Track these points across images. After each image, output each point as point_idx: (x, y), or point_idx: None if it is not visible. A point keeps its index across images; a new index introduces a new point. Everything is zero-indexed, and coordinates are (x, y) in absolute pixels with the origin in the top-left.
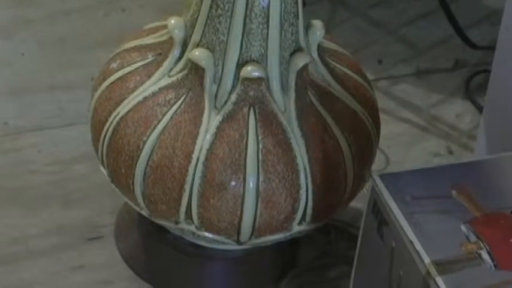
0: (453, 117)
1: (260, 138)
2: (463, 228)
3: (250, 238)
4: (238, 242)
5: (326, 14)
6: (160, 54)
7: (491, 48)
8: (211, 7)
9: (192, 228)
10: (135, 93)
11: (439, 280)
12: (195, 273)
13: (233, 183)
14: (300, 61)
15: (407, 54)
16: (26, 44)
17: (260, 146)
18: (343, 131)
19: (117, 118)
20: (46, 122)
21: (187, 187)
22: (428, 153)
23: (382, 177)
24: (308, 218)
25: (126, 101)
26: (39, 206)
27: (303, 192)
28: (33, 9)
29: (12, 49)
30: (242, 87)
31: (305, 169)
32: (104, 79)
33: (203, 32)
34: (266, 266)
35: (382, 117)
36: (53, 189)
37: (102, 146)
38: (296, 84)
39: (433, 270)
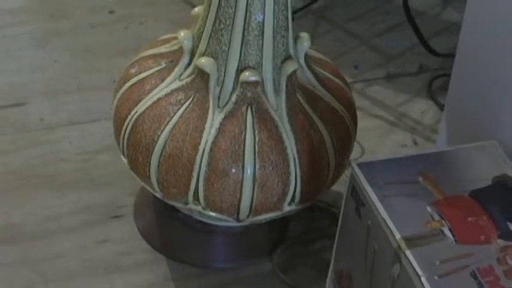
0: (418, 114)
1: (256, 132)
2: (428, 208)
3: (247, 216)
4: (238, 220)
5: (311, 27)
6: (172, 61)
7: (451, 55)
8: (214, 22)
9: (199, 208)
10: (151, 94)
11: (408, 253)
12: (201, 245)
13: (233, 170)
14: (289, 67)
15: (379, 60)
16: (57, 53)
17: (256, 139)
18: (326, 126)
19: (136, 115)
20: (75, 118)
21: (195, 174)
22: (397, 145)
23: (359, 165)
24: (297, 199)
25: (143, 101)
26: (70, 189)
27: (292, 178)
28: (63, 23)
29: (46, 57)
30: (241, 89)
31: (294, 158)
32: (124, 82)
33: (208, 42)
34: (261, 239)
35: (358, 114)
36: (81, 175)
37: (123, 138)
38: (286, 86)
39: (403, 245)
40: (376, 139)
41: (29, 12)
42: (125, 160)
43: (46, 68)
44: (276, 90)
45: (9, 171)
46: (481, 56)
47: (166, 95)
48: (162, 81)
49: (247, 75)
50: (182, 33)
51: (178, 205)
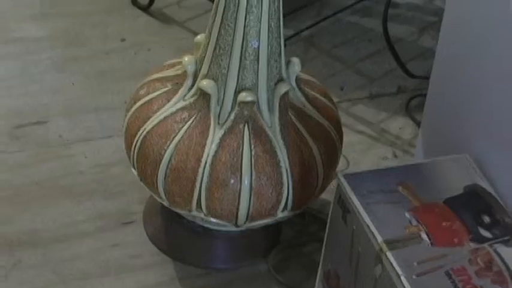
0: (397, 130)
1: (252, 147)
2: (407, 215)
3: (245, 222)
4: (236, 225)
5: (301, 52)
6: (177, 83)
7: (426, 77)
8: (215, 48)
9: (201, 215)
10: (158, 113)
11: (389, 254)
12: (204, 248)
13: (232, 181)
14: (282, 89)
15: (362, 82)
16: (75, 76)
17: (252, 152)
18: (315, 141)
19: (144, 132)
20: (91, 135)
21: (197, 184)
22: (379, 157)
23: (345, 176)
24: (289, 207)
25: (151, 119)
26: (86, 198)
27: (285, 187)
28: (80, 50)
29: (65, 80)
30: (239, 108)
31: (286, 170)
32: (134, 102)
33: (209, 66)
34: (257, 243)
35: (344, 130)
36: (96, 186)
37: (133, 153)
38: (279, 106)
39: (384, 247)
40: (360, 152)
41: (50, 41)
42: (135, 172)
43: (65, 90)
44: (270, 109)
45: (32, 182)
46: (453, 78)
47: (172, 113)
48: (168, 101)
49: (244, 96)
50: (186, 58)
51: (183, 212)
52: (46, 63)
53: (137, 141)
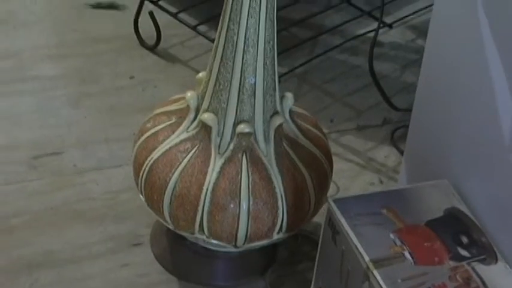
0: (383, 158)
1: (250, 174)
2: (391, 236)
3: (243, 243)
4: (235, 246)
5: (294, 87)
6: (180, 117)
7: (409, 110)
8: (215, 84)
9: (204, 237)
10: (163, 144)
11: (375, 272)
12: (206, 267)
13: (232, 205)
14: (277, 121)
15: (350, 115)
16: (87, 110)
17: (250, 179)
18: (307, 169)
19: (151, 161)
20: (102, 164)
21: (200, 209)
22: (366, 183)
23: (335, 201)
24: (284, 229)
25: (157, 149)
26: (97, 222)
27: (280, 211)
28: (92, 87)
29: (79, 114)
30: (237, 139)
31: (281, 196)
32: (142, 134)
33: (210, 101)
34: (255, 262)
35: (334, 158)
36: (107, 211)
37: (141, 180)
38: (274, 137)
39: (371, 266)
40: (348, 179)
41: (65, 79)
42: (142, 198)
43: (78, 123)
44: (266, 140)
45: (48, 208)
46: (433, 111)
47: (176, 144)
48: (173, 133)
49: (242, 128)
50: (189, 94)
51: (187, 234)
52: (61, 99)
53: (144, 169)
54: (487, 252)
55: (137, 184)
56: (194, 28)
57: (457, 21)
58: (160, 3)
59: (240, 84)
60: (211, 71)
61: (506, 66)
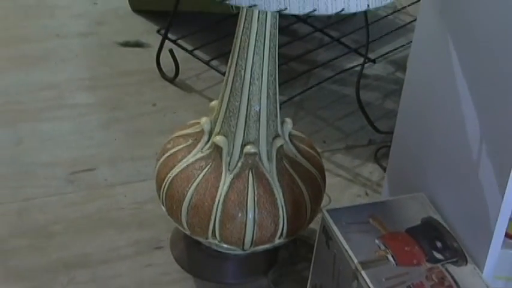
0: (368, 174)
1: (255, 188)
2: (376, 241)
3: (250, 247)
4: (243, 250)
5: (292, 114)
6: (196, 139)
7: (390, 132)
8: (226, 111)
9: (216, 241)
10: (181, 162)
11: (363, 273)
12: (217, 267)
13: (240, 215)
14: (278, 143)
15: (340, 137)
16: (116, 133)
17: (255, 193)
18: (304, 183)
19: (171, 177)
20: (129, 179)
21: (212, 218)
22: (354, 196)
23: (328, 211)
24: (284, 235)
25: (176, 167)
26: (125, 229)
27: (281, 220)
28: (121, 113)
29: (109, 136)
30: (244, 158)
31: (282, 206)
32: (163, 154)
33: (221, 126)
34: (259, 263)
35: (327, 174)
36: (133, 219)
37: (162, 193)
38: (276, 156)
39: (359, 267)
40: (339, 191)
41: (98, 106)
42: (163, 208)
43: (109, 144)
44: (269, 159)
45: (83, 216)
46: (411, 133)
47: (192, 162)
48: (189, 153)
49: (249, 148)
50: (203, 119)
51: (201, 239)
52: (94, 123)
53: (165, 184)
54: (458, 256)
55: (159, 196)
56: (207, 63)
57: (432, 56)
58: (178, 42)
59: (247, 111)
60: (222, 99)
61: (474, 96)
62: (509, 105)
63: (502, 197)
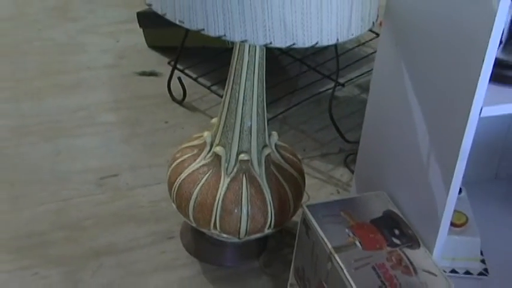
0: (339, 176)
1: (248, 189)
2: (346, 230)
3: (244, 236)
4: (239, 238)
5: (278, 128)
6: (200, 149)
7: (357, 142)
8: (224, 127)
9: (217, 232)
10: (188, 168)
11: (336, 256)
12: (218, 252)
13: (236, 211)
14: (266, 151)
15: (316, 146)
16: (136, 145)
17: (248, 193)
18: (288, 184)
19: (180, 180)
20: (147, 182)
21: (213, 213)
22: (328, 194)
23: (307, 206)
24: (272, 226)
25: (184, 172)
26: (144, 222)
27: (269, 214)
28: (139, 129)
29: (130, 148)
30: (239, 165)
31: (270, 203)
32: (173, 161)
33: (220, 138)
34: (252, 248)
35: (306, 176)
36: (150, 214)
37: (173, 193)
38: (265, 162)
39: (332, 251)
40: (316, 191)
41: (120, 124)
42: (174, 206)
43: (130, 155)
44: (259, 164)
45: (110, 213)
46: (374, 142)
47: (197, 168)
48: (194, 161)
49: (243, 156)
50: (205, 133)
51: (205, 230)
52: (118, 138)
53: (175, 186)
54: (412, 241)
55: (170, 196)
56: (209, 88)
57: (389, 80)
58: (185, 71)
59: (240, 126)
60: (220, 117)
61: (422, 111)
62: (450, 119)
63: (447, 193)
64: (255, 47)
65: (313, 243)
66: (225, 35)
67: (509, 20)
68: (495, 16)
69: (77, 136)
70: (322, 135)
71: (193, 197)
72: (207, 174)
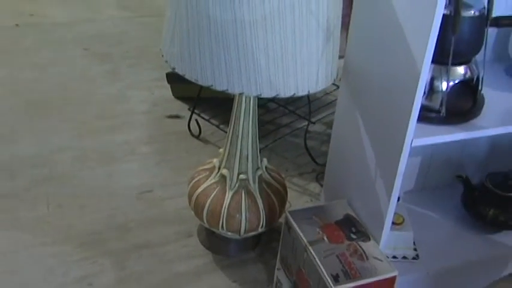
0: (312, 189)
1: (246, 200)
2: (317, 229)
3: (243, 234)
4: (240, 235)
5: (267, 155)
6: (211, 171)
7: (325, 164)
8: (228, 155)
9: (223, 231)
10: (203, 185)
11: (310, 248)
12: (225, 246)
13: (237, 215)
14: (259, 172)
15: (295, 168)
16: (165, 169)
17: (246, 202)
18: (275, 196)
19: (196, 194)
20: (174, 195)
21: (221, 218)
22: (304, 202)
23: (289, 212)
24: (264, 226)
25: (199, 188)
26: (171, 225)
27: (262, 218)
28: (167, 156)
29: (160, 171)
30: (239, 182)
31: (262, 210)
32: (192, 180)
33: (225, 163)
34: (250, 242)
35: (288, 190)
36: (175, 219)
37: (192, 203)
38: (258, 180)
39: (308, 245)
40: (295, 200)
41: (153, 153)
42: (192, 212)
43: (160, 176)
44: (254, 182)
45: (147, 218)
46: (337, 164)
47: (208, 186)
48: (207, 179)
49: (242, 176)
50: (215, 160)
51: (215, 230)
52: (151, 163)
53: (193, 198)
54: (365, 236)
55: (190, 205)
56: (217, 126)
57: (346, 119)
58: (201, 114)
59: (240, 154)
60: (225, 148)
61: (370, 139)
62: (391, 147)
63: (389, 200)
64: (250, 97)
65: (294, 239)
66: (227, 89)
67: (430, 78)
68: (419, 75)
69: (122, 162)
70: (299, 159)
71: (207, 206)
72: (216, 190)
